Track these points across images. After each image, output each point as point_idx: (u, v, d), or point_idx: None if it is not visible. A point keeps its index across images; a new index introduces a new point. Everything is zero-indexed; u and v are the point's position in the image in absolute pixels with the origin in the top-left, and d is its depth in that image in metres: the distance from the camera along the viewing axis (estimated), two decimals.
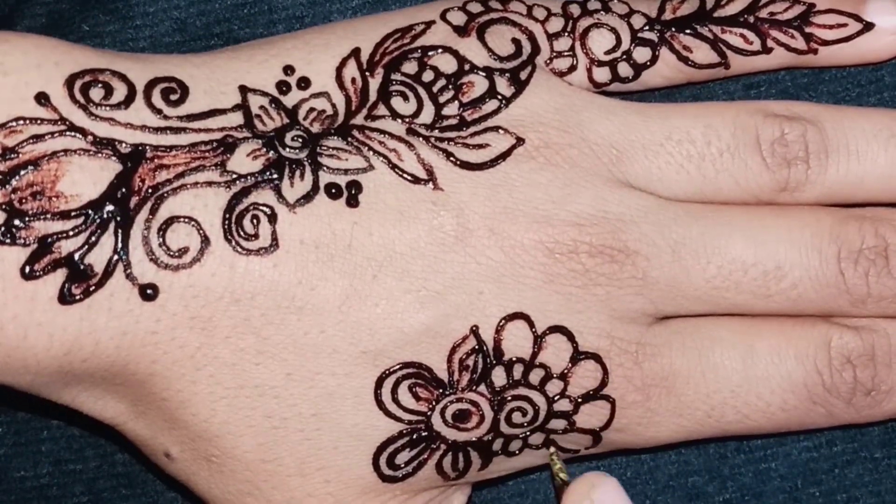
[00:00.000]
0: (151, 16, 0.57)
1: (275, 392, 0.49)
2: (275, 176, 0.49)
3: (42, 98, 0.47)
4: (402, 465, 0.50)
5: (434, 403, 0.50)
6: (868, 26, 0.53)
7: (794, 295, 0.52)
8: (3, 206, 0.46)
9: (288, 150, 0.49)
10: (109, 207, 0.47)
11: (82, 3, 0.57)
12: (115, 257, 0.47)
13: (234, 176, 0.48)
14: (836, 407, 0.52)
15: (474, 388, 0.50)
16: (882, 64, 0.55)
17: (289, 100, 0.50)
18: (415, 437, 0.50)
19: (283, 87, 0.50)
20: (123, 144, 0.48)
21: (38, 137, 0.47)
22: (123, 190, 0.47)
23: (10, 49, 0.48)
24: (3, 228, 0.46)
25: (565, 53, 0.53)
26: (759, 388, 0.51)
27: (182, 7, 0.57)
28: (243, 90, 0.50)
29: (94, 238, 0.47)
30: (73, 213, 0.47)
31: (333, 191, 0.49)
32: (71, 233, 0.47)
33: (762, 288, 0.51)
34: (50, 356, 0.47)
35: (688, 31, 0.53)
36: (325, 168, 0.49)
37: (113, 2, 0.57)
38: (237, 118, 0.49)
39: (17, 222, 0.46)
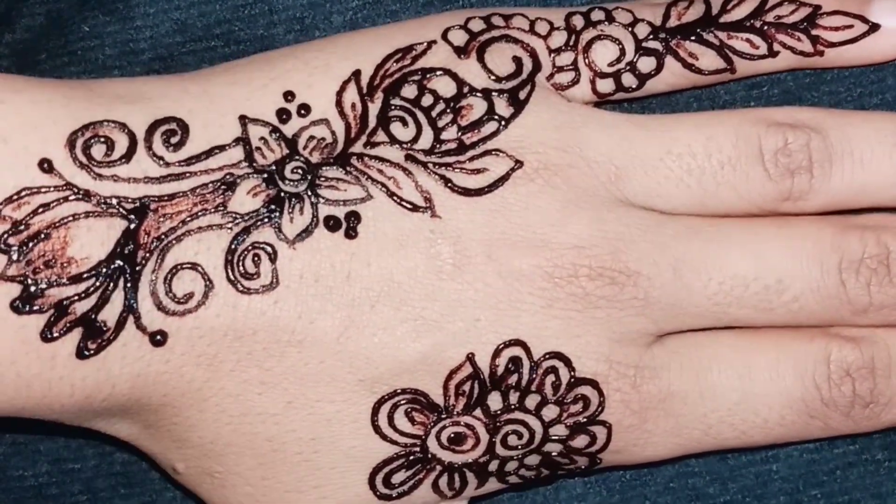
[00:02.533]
0: (152, 16, 0.57)
1: (276, 419, 0.50)
2: (275, 213, 0.49)
3: (45, 164, 0.47)
4: (398, 485, 0.51)
5: (430, 427, 0.50)
6: (874, 27, 0.53)
7: (796, 307, 0.51)
8: (19, 279, 0.47)
9: (288, 183, 0.49)
10: (118, 264, 0.48)
11: (82, 2, 0.57)
12: (126, 312, 0.48)
13: (235, 217, 0.49)
14: (834, 420, 0.52)
15: (470, 412, 0.50)
16: (885, 64, 0.54)
17: (289, 128, 0.50)
18: (411, 458, 0.50)
19: (283, 115, 0.50)
20: (128, 200, 0.48)
21: (45, 206, 0.47)
22: (131, 246, 0.48)
23: (6, 111, 0.48)
24: (19, 302, 0.47)
25: (567, 68, 0.52)
26: (757, 406, 0.51)
27: (182, 8, 0.56)
28: (243, 121, 0.50)
29: (105, 294, 0.48)
30: (84, 276, 0.47)
31: (332, 223, 0.49)
32: (83, 294, 0.48)
33: (764, 302, 0.51)
34: (72, 402, 0.49)
35: (693, 37, 0.52)
36: (323, 200, 0.49)
37: (113, 2, 0.56)
38: (237, 153, 0.49)
39: (33, 290, 0.47)
